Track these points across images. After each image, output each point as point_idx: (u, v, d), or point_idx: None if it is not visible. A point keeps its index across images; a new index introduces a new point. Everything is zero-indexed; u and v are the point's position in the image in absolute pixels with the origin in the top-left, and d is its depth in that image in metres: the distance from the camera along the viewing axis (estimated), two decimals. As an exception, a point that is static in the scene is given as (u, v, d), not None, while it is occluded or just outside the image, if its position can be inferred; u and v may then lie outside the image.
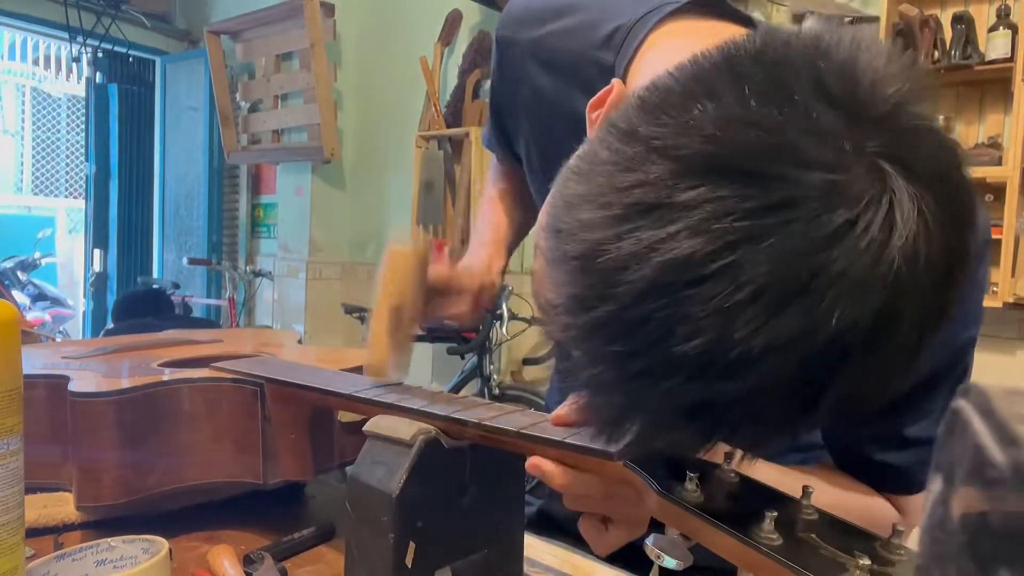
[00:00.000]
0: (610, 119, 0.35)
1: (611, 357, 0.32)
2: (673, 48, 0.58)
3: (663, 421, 0.33)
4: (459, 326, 2.76)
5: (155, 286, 4.02)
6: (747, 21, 0.60)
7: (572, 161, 0.38)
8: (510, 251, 0.86)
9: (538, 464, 0.46)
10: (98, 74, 4.58)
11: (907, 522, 0.60)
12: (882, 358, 0.31)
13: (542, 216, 0.45)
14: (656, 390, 0.31)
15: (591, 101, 0.49)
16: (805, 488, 0.36)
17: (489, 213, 0.88)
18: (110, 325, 3.73)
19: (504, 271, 0.82)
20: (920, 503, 0.61)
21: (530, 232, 0.94)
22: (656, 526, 0.41)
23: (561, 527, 0.77)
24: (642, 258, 0.30)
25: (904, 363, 0.32)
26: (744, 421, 0.33)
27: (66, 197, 7.76)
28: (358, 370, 0.77)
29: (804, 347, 0.29)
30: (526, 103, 0.72)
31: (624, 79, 0.60)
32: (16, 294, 5.26)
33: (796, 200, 0.28)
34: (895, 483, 0.60)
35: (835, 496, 0.58)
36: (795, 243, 0.28)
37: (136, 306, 3.18)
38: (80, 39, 4.19)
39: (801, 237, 0.28)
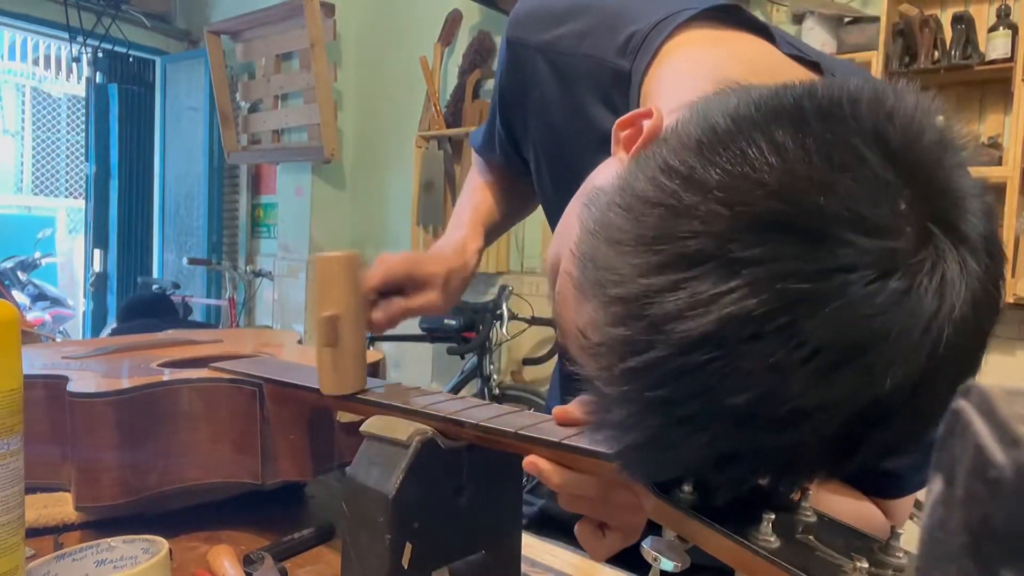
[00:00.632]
0: (661, 155, 0.35)
1: (653, 402, 0.32)
2: (692, 58, 0.57)
3: (695, 465, 0.34)
4: (458, 325, 2.76)
5: (155, 287, 4.02)
6: (763, 29, 0.60)
7: (610, 189, 0.37)
8: (490, 235, 0.83)
9: (535, 462, 0.46)
10: (98, 74, 4.58)
11: (892, 523, 0.60)
12: (920, 414, 0.32)
13: (565, 238, 0.44)
14: (696, 437, 0.31)
15: (620, 120, 0.47)
16: (803, 489, 0.36)
17: (470, 197, 0.86)
18: (112, 324, 3.73)
19: (481, 251, 0.79)
20: (905, 505, 0.61)
21: (515, 224, 0.93)
22: (653, 528, 0.41)
23: (563, 527, 0.77)
24: (699, 310, 0.30)
25: (938, 416, 0.33)
26: (778, 469, 0.33)
27: (66, 197, 7.76)
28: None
29: (853, 406, 0.30)
30: (535, 106, 0.71)
31: (641, 86, 0.59)
32: (16, 294, 5.26)
33: (855, 265, 0.29)
34: (886, 488, 0.60)
35: (825, 501, 0.58)
36: (852, 309, 0.29)
37: (140, 312, 3.20)
38: (80, 39, 4.19)
39: (859, 302, 0.29)
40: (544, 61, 0.68)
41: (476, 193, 0.86)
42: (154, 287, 4.01)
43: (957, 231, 0.31)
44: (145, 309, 3.21)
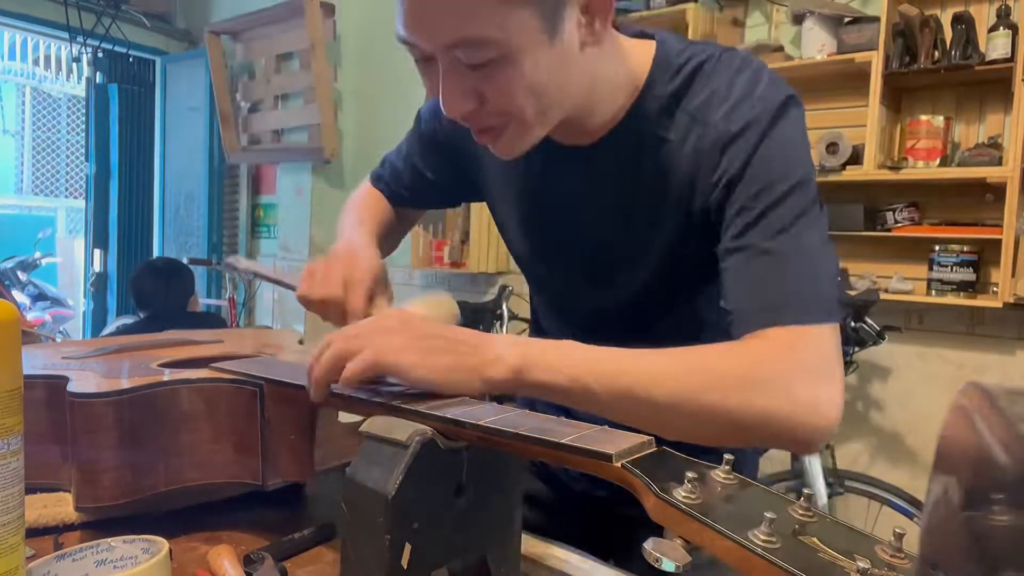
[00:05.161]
0: None
1: None
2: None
3: None
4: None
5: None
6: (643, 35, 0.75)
7: None
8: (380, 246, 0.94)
9: None
10: (98, 74, 4.58)
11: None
12: None
13: None
14: None
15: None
16: (805, 492, 0.36)
17: (362, 210, 1.02)
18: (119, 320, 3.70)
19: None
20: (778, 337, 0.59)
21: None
22: (655, 529, 0.41)
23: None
24: None
25: None
26: None
27: (66, 197, 7.76)
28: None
29: None
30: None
31: None
32: (16, 294, 5.25)
33: None
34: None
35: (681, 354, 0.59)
36: None
37: (155, 273, 2.83)
38: (80, 39, 4.19)
39: None
40: None
41: (370, 207, 1.01)
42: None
43: None
44: (161, 269, 2.84)
